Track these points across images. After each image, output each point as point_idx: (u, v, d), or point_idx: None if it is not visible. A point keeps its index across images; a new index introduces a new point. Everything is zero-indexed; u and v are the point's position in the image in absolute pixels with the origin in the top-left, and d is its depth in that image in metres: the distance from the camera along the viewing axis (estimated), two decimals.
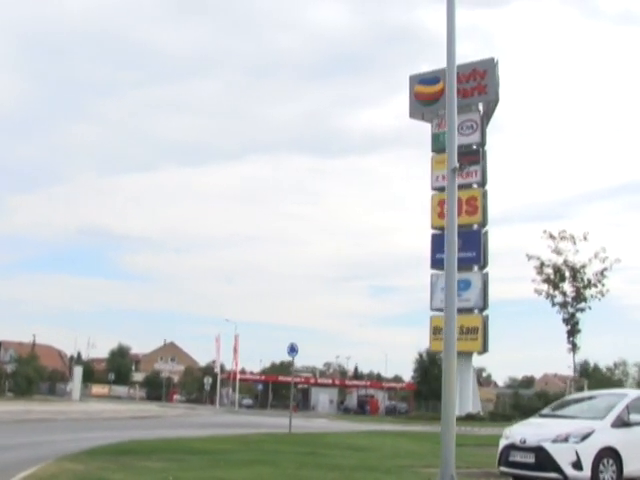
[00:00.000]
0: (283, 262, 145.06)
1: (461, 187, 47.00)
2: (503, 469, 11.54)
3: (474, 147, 49.23)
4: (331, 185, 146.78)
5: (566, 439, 10.76)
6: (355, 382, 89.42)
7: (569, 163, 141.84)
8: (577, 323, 28.02)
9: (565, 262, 27.84)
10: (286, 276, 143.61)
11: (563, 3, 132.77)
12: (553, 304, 28.04)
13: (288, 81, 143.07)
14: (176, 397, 78.44)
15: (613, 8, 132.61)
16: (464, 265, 48.05)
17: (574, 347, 28.36)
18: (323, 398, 76.95)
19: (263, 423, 33.60)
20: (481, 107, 49.54)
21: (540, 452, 10.83)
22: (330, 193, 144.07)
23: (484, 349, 46.49)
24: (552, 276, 27.97)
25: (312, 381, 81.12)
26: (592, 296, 27.86)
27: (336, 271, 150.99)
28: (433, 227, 49.53)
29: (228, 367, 70.37)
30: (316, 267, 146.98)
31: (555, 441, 10.81)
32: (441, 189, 49.66)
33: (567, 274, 27.89)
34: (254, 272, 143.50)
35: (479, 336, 46.21)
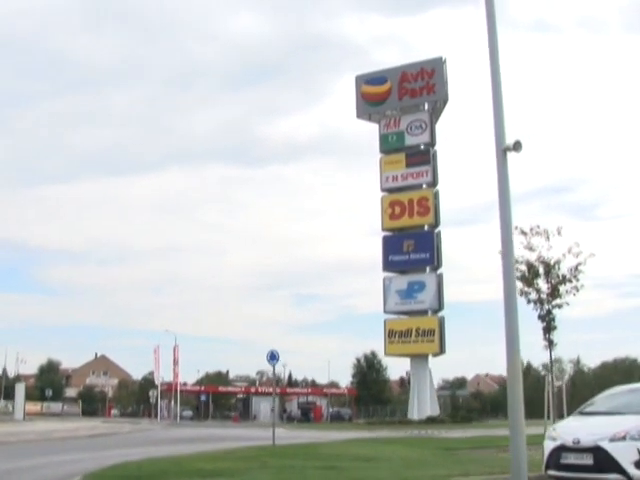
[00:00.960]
0: (208, 272, 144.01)
1: (411, 188, 46.86)
2: (554, 473, 10.64)
3: (423, 147, 48.75)
4: (254, 194, 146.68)
5: (624, 437, 9.98)
6: (296, 389, 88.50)
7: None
8: (553, 320, 27.46)
9: (538, 258, 27.26)
10: (211, 286, 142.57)
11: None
12: (528, 301, 27.40)
13: (208, 90, 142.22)
14: (113, 412, 75.60)
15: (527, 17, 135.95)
16: (417, 267, 47.81)
17: (550, 344, 27.81)
18: (264, 407, 75.54)
19: (228, 436, 32.09)
20: (430, 106, 49.04)
21: (598, 452, 10.01)
22: (253, 202, 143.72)
23: (441, 350, 46.10)
24: (526, 273, 27.33)
25: (252, 390, 79.78)
26: (567, 292, 27.33)
27: (260, 280, 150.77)
28: (385, 229, 48.92)
29: (165, 379, 68.45)
30: (240, 277, 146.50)
31: (613, 440, 10.00)
32: (391, 190, 49.24)
33: (541, 270, 27.31)
34: (180, 283, 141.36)
35: (435, 338, 45.79)
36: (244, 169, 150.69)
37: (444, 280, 46.99)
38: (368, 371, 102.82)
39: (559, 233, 27.22)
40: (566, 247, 27.13)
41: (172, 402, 65.13)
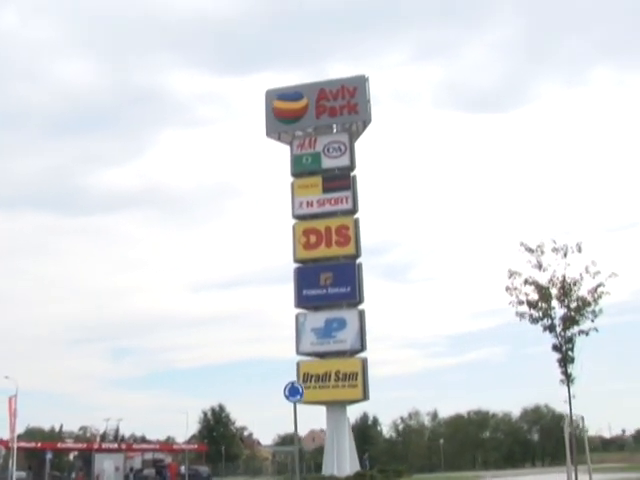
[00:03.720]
0: (25, 323, 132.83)
1: (329, 215, 41.93)
2: None
3: (341, 171, 44.25)
4: (72, 244, 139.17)
5: None
6: (143, 445, 79.45)
7: None
8: (572, 349, 23.45)
9: (552, 278, 23.23)
10: (28, 338, 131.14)
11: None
12: (544, 329, 23.31)
13: (31, 135, 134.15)
14: None
15: None
16: (336, 302, 42.74)
17: (568, 379, 23.68)
18: (108, 465, 66.47)
19: None
20: (350, 127, 44.76)
21: None
22: (71, 252, 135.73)
23: (364, 396, 41.00)
24: (537, 296, 23.22)
25: (95, 447, 70.14)
26: (584, 317, 23.53)
27: (77, 333, 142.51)
28: (297, 260, 43.55)
29: None
30: (56, 329, 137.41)
31: None
32: (306, 217, 44.14)
33: (553, 292, 23.31)
34: None
35: (358, 382, 40.68)
36: (64, 218, 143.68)
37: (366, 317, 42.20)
38: (216, 425, 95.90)
39: (579, 250, 23.55)
40: (582, 266, 23.51)
41: (10, 462, 54.92)
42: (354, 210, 43.42)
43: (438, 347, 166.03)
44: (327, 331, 41.88)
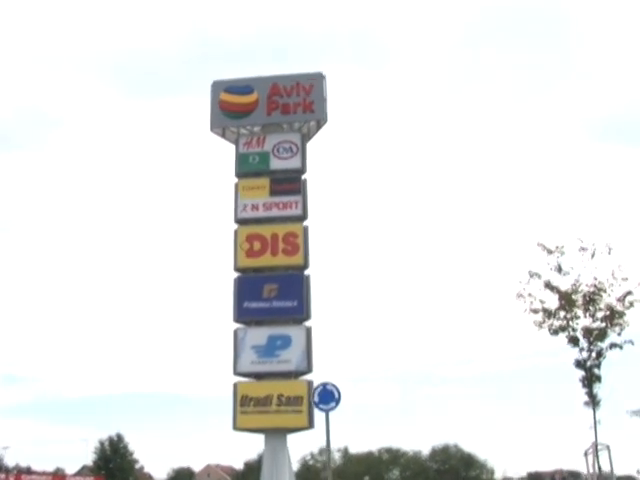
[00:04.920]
0: None
1: (276, 220, 37.89)
2: None
3: (291, 174, 40.34)
4: None
5: None
6: (34, 477, 71.92)
7: None
8: (599, 366, 20.11)
9: (576, 284, 19.96)
10: None
11: None
12: (569, 341, 19.94)
13: None
14: None
15: None
16: (281, 317, 38.38)
17: (594, 401, 20.29)
18: None
19: None
20: (303, 127, 40.98)
21: None
22: None
23: (310, 424, 36.54)
24: (557, 303, 19.89)
25: None
26: (611, 328, 20.26)
27: None
28: (238, 269, 39.07)
29: None
30: None
31: None
32: (250, 221, 39.80)
33: (579, 300, 20.03)
34: None
35: (304, 407, 36.21)
36: None
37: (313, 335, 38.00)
38: (113, 456, 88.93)
39: (609, 252, 20.42)
40: (609, 270, 20.37)
41: None
42: (304, 216, 39.42)
43: None
44: (270, 349, 37.43)
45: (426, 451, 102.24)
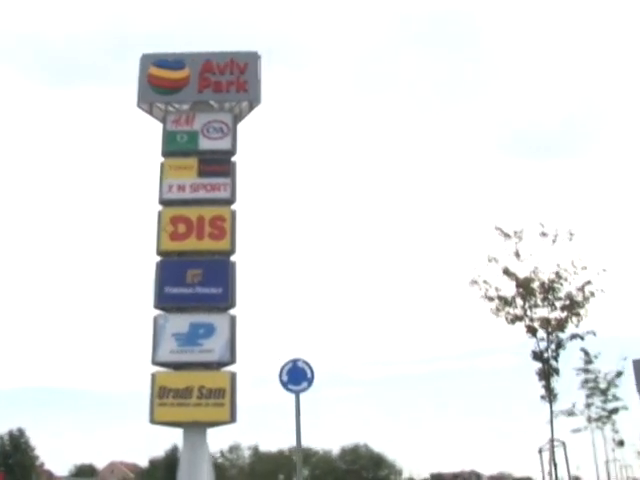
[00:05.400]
0: None
1: (202, 203, 36.15)
2: None
3: (220, 155, 38.55)
4: None
5: None
6: None
7: None
8: (556, 358, 19.15)
9: (535, 272, 19.07)
10: None
11: None
12: (528, 331, 18.95)
13: None
14: None
15: None
16: (205, 304, 36.45)
17: (550, 394, 19.41)
18: None
19: None
20: (234, 107, 39.25)
21: None
22: None
23: (232, 418, 34.78)
24: (515, 292, 18.92)
25: None
26: (570, 320, 19.28)
27: None
28: (161, 252, 36.94)
29: None
30: None
31: None
32: (173, 202, 37.70)
33: (538, 289, 19.11)
34: None
35: (226, 401, 34.49)
36: None
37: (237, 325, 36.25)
38: (14, 453, 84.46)
39: (571, 238, 19.40)
40: (568, 258, 19.34)
41: None
42: (232, 200, 37.64)
43: None
44: (192, 338, 35.47)
45: (336, 450, 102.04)
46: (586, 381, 26.47)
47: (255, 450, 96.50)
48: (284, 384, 11.82)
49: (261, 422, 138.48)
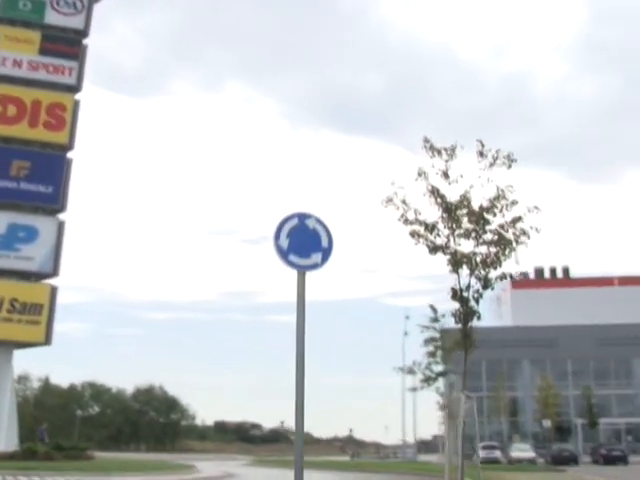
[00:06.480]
0: None
1: (42, 85, 30.37)
2: None
3: (70, 34, 32.91)
4: None
5: None
6: None
7: None
8: (477, 300, 16.48)
9: (465, 197, 16.35)
10: None
11: None
12: (452, 264, 16.18)
13: None
14: None
15: None
16: (30, 203, 30.99)
17: (467, 342, 16.87)
18: None
19: None
20: None
21: None
22: None
23: (47, 341, 29.82)
24: (438, 217, 16.16)
25: None
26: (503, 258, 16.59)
27: None
28: None
29: None
30: None
31: None
32: (5, 79, 31.54)
33: (462, 214, 16.42)
34: None
35: (43, 318, 29.57)
36: None
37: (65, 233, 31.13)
38: None
39: (510, 166, 16.66)
40: (495, 189, 16.66)
41: None
42: (77, 88, 32.31)
43: None
44: (9, 241, 30.04)
45: (131, 390, 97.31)
46: (432, 339, 24.12)
47: (45, 382, 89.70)
48: (283, 253, 6.14)
49: (55, 354, 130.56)
